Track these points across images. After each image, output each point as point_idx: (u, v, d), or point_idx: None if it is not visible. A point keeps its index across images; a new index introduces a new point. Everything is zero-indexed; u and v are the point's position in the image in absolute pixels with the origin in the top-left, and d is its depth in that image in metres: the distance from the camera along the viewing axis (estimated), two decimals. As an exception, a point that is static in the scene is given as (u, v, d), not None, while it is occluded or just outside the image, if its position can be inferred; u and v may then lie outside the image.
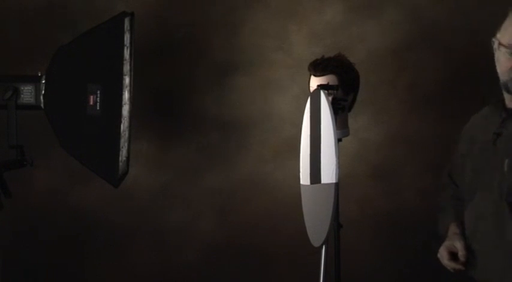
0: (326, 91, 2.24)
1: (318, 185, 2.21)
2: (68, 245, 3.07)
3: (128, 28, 2.46)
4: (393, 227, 3.02)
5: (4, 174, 2.28)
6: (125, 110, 2.50)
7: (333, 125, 2.13)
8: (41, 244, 3.07)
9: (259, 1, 2.97)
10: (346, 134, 2.50)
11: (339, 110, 2.37)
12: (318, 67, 2.43)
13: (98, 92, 2.32)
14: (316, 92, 2.26)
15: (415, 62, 2.94)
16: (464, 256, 2.02)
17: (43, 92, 2.37)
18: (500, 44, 1.94)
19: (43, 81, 2.37)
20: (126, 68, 2.47)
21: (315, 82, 2.43)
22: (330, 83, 2.36)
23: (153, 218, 3.07)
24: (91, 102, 2.32)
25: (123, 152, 2.54)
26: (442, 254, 2.07)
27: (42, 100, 2.37)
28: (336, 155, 2.10)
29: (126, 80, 2.50)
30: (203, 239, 3.07)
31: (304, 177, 2.34)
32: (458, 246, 2.04)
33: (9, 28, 2.98)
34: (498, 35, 1.96)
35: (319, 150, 2.21)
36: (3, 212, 2.28)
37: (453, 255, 2.05)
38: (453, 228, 2.11)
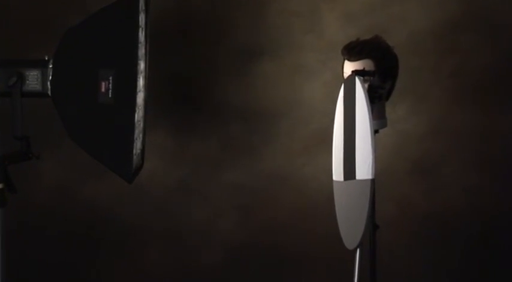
0: (362, 77, 2.24)
1: (353, 181, 2.22)
2: (77, 244, 3.10)
3: (143, 8, 2.46)
4: (435, 229, 3.00)
5: (8, 167, 2.30)
6: (140, 97, 2.50)
7: (369, 115, 2.13)
8: (48, 243, 3.10)
9: (288, -22, 2.97)
10: (384, 125, 2.48)
11: (375, 99, 2.35)
12: (352, 51, 2.41)
13: (110, 78, 2.32)
14: (351, 78, 2.25)
15: (461, 45, 2.92)
16: None
17: (50, 77, 2.37)
18: None
19: (50, 66, 2.37)
20: (141, 51, 2.47)
21: (349, 68, 2.41)
22: (366, 69, 2.34)
23: (169, 217, 3.09)
24: (103, 89, 2.32)
25: (138, 144, 2.54)
26: None
27: (49, 87, 2.37)
28: (372, 149, 2.10)
29: (141, 65, 2.50)
30: (224, 239, 3.08)
31: (337, 173, 2.34)
32: None
33: (14, 8, 3.00)
34: None
35: (353, 143, 2.21)
36: (7, 209, 2.30)
37: None
38: None
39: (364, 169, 2.14)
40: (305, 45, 2.98)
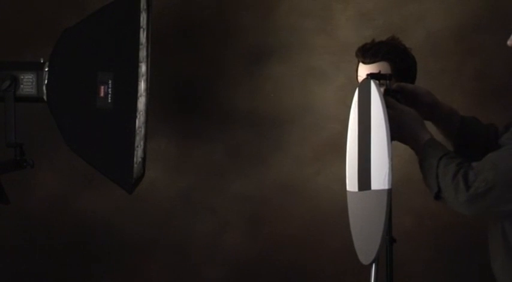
0: (377, 81, 2.23)
1: (368, 192, 2.21)
2: (73, 259, 3.10)
3: (145, 7, 2.47)
4: (457, 243, 3.00)
5: (1, 177, 2.31)
6: (141, 102, 2.51)
7: (386, 120, 2.13)
8: (42, 257, 3.10)
9: (298, -25, 2.99)
10: (401, 132, 2.49)
11: (392, 104, 2.35)
12: (367, 53, 2.42)
13: (110, 81, 2.32)
14: (366, 82, 2.25)
15: (483, 46, 2.93)
16: None
17: (46, 81, 2.38)
18: None
19: (46, 69, 2.39)
20: (143, 53, 2.48)
21: (363, 71, 2.42)
22: (382, 72, 2.33)
23: (172, 229, 3.09)
24: (101, 94, 2.33)
25: (139, 152, 2.55)
26: None
27: (45, 91, 2.37)
28: (388, 157, 2.09)
29: (143, 67, 2.51)
30: (230, 254, 3.09)
31: (351, 183, 2.34)
32: None
33: (8, 8, 3.02)
34: None
35: (369, 151, 2.21)
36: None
37: None
38: None
39: (380, 179, 2.13)
40: (317, 47, 2.99)
